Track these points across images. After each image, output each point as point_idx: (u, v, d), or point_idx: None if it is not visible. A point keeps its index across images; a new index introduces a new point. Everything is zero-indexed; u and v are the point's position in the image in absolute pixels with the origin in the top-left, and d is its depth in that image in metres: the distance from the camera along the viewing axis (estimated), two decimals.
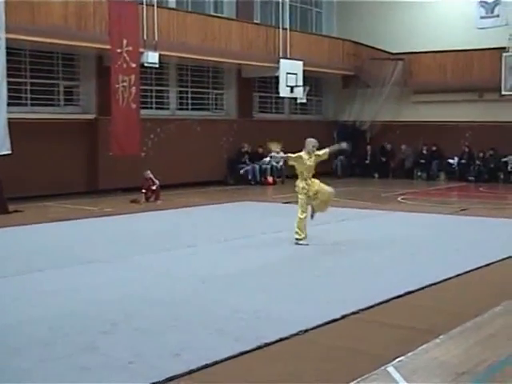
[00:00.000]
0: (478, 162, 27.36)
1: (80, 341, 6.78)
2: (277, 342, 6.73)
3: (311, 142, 13.33)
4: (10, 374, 5.95)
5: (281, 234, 13.49)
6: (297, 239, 12.32)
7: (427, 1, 28.73)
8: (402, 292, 8.68)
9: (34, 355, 6.40)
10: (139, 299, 8.43)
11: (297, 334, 6.94)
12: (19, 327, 7.29)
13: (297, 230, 12.40)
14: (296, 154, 13.04)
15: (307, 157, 12.98)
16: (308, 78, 27.02)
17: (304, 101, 27.72)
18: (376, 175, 28.86)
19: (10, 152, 17.71)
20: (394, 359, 6.21)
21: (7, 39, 17.58)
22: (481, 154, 27.37)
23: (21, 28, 18.05)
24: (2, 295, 8.73)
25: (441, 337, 6.91)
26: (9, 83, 18.15)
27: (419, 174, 28.44)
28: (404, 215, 16.80)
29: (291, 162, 13.18)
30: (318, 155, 13.14)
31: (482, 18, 26.69)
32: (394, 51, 28.60)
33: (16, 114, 18.85)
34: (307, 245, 12.15)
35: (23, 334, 7.06)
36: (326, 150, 13.40)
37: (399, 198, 20.74)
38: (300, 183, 12.87)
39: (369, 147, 29.65)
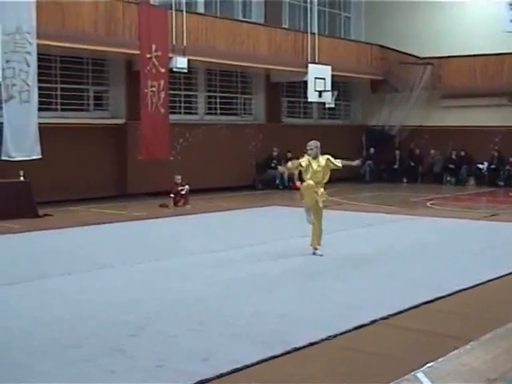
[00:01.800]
0: (507, 167, 27.15)
1: (106, 344, 6.81)
2: (306, 346, 6.70)
3: (308, 144, 12.56)
4: (35, 376, 5.97)
5: (307, 239, 13.45)
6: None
7: (456, 4, 28.57)
8: (431, 297, 8.62)
9: (59, 357, 6.42)
10: (165, 303, 8.45)
11: (326, 339, 6.91)
12: (44, 330, 7.33)
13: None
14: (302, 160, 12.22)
15: (310, 161, 12.17)
16: (336, 83, 26.97)
17: (332, 105, 27.65)
18: (405, 180, 28.69)
19: (40, 156, 17.89)
20: (424, 365, 6.16)
21: (38, 45, 17.77)
22: (511, 159, 27.14)
23: (51, 34, 18.21)
24: (28, 298, 8.79)
25: (471, 343, 6.84)
26: (39, 88, 18.34)
27: (448, 178, 28.24)
28: (433, 220, 16.69)
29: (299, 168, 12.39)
30: (330, 161, 12.31)
31: (511, 21, 26.46)
32: (423, 55, 28.45)
33: (46, 118, 19.01)
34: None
35: (48, 336, 7.09)
36: (340, 163, 12.51)
37: (428, 203, 20.62)
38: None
39: (397, 152, 29.50)
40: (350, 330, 7.24)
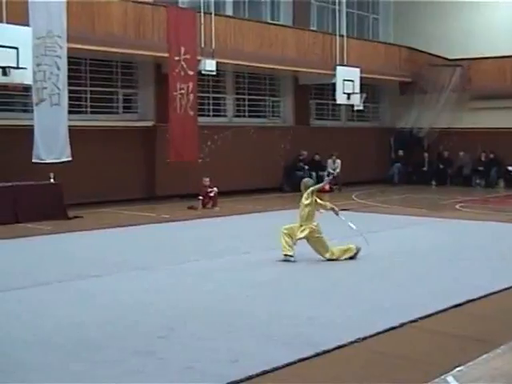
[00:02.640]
0: None
1: (136, 345, 6.85)
2: (334, 349, 6.70)
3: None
4: (66, 376, 6.02)
5: (334, 242, 13.44)
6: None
7: (485, 5, 28.40)
8: (461, 301, 8.57)
9: (90, 358, 6.47)
10: (194, 305, 8.48)
11: (354, 342, 6.90)
12: (74, 331, 7.39)
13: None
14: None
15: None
16: (365, 85, 26.88)
17: (361, 108, 27.60)
18: (434, 182, 28.53)
19: (70, 159, 18.05)
20: (453, 368, 6.13)
21: (68, 48, 17.93)
22: None
23: (81, 37, 18.37)
24: (58, 299, 8.87)
25: (501, 347, 6.79)
26: (69, 91, 18.52)
27: (477, 181, 28.04)
28: (462, 223, 16.58)
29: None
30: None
31: None
32: (452, 57, 28.30)
33: (76, 121, 19.15)
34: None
35: (78, 337, 7.14)
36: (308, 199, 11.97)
37: (457, 206, 20.50)
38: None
39: (426, 154, 29.36)
40: (378, 333, 7.22)
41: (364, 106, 28.01)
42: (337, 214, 12.08)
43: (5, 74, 16.44)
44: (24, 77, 16.82)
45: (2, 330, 7.42)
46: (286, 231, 11.58)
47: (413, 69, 29.04)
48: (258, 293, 9.19)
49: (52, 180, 17.48)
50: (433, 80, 28.25)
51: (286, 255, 11.37)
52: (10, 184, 16.83)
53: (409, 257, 11.94)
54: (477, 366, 6.26)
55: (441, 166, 28.87)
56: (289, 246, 11.47)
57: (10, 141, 18.14)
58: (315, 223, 11.64)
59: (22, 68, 16.58)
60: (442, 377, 5.96)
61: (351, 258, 11.60)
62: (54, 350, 6.70)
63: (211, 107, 24.67)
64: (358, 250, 11.66)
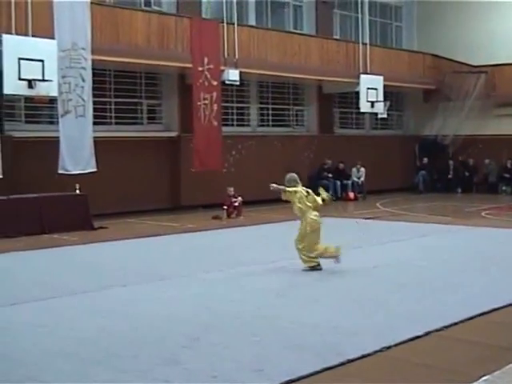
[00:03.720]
0: None
1: (161, 354, 6.86)
2: (359, 358, 6.68)
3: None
4: None
5: (359, 250, 13.46)
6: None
7: (510, 11, 28.26)
8: (486, 309, 8.52)
9: (116, 367, 6.50)
10: (219, 314, 8.50)
11: (379, 350, 6.88)
12: (99, 340, 7.43)
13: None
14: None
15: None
16: (388, 93, 26.87)
17: (385, 116, 27.56)
18: (459, 190, 28.36)
19: (95, 170, 18.17)
20: (479, 378, 6.08)
21: (93, 60, 18.09)
22: None
23: (105, 49, 18.53)
24: (83, 310, 8.91)
25: None
26: (94, 103, 18.65)
27: (504, 188, 27.82)
28: (488, 230, 16.48)
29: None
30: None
31: None
32: (476, 63, 28.16)
33: (101, 132, 19.29)
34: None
35: (103, 346, 7.19)
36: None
37: (483, 213, 20.37)
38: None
39: (451, 162, 29.19)
40: (403, 342, 7.19)
41: (388, 114, 27.96)
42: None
43: (31, 86, 16.64)
44: (50, 89, 17.01)
45: (29, 339, 7.48)
46: (300, 246, 11.51)
47: (437, 76, 28.94)
48: (283, 302, 9.19)
49: (78, 191, 17.59)
50: (457, 87, 28.13)
51: (311, 267, 11.35)
52: (36, 195, 16.98)
53: (434, 265, 11.86)
54: (503, 376, 6.20)
55: (466, 174, 28.69)
56: (309, 258, 11.42)
57: (36, 152, 18.30)
58: (312, 215, 11.63)
59: (47, 80, 16.77)
60: None
61: (332, 258, 11.36)
62: (80, 360, 6.74)
63: (235, 117, 24.74)
64: (337, 254, 11.32)
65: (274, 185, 12.04)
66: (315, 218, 11.65)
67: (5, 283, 10.74)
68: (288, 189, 11.72)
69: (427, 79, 28.88)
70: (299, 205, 11.65)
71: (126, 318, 8.38)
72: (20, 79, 16.44)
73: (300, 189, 11.83)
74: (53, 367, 6.51)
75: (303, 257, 11.45)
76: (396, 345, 7.07)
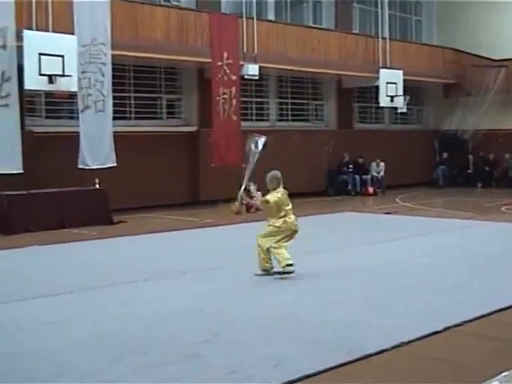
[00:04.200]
0: None
1: (181, 349, 6.89)
2: (377, 353, 6.68)
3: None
4: (110, 379, 6.09)
5: (376, 245, 13.44)
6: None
7: None
8: (507, 304, 8.48)
9: (135, 362, 6.53)
10: (238, 309, 8.52)
11: (397, 346, 6.88)
12: (118, 335, 7.46)
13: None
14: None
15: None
16: (408, 87, 26.77)
17: (404, 110, 27.46)
18: (479, 185, 28.23)
19: (115, 164, 18.26)
20: (499, 373, 6.06)
21: (112, 55, 18.17)
22: None
23: (125, 44, 18.60)
24: (102, 304, 8.96)
25: None
26: (114, 98, 18.73)
27: None
28: (508, 226, 16.40)
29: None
30: None
31: None
32: (497, 57, 28.00)
33: (121, 127, 19.37)
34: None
35: (122, 341, 7.21)
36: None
37: (503, 208, 20.28)
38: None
39: (471, 156, 29.08)
40: (422, 337, 7.17)
41: (407, 109, 27.86)
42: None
43: (51, 81, 16.73)
44: (70, 84, 17.10)
45: (46, 334, 7.54)
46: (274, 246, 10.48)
47: (457, 70, 28.81)
48: (300, 297, 9.21)
49: (97, 185, 17.68)
50: (477, 81, 27.99)
51: (288, 265, 10.29)
52: (56, 190, 17.09)
53: (454, 261, 11.82)
54: None
55: (486, 168, 28.56)
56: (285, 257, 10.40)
57: (56, 147, 18.41)
58: (278, 223, 10.56)
59: (67, 76, 16.86)
60: (488, 382, 5.90)
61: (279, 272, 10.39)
62: (99, 355, 6.78)
63: (254, 111, 24.75)
64: (285, 270, 10.30)
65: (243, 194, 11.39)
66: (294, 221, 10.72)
67: (23, 278, 10.81)
68: (269, 199, 10.76)
69: (447, 73, 28.75)
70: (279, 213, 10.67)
71: (145, 313, 8.41)
72: (40, 75, 16.53)
73: (280, 194, 10.89)
74: (69, 362, 6.55)
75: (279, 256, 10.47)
76: (414, 340, 7.06)
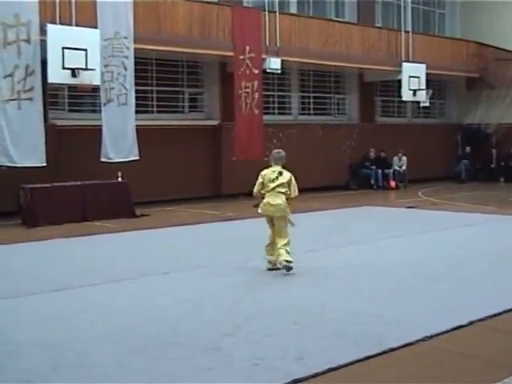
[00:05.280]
0: None
1: (203, 342, 6.90)
2: (401, 347, 6.66)
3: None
4: (133, 372, 6.12)
5: (398, 239, 13.41)
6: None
7: None
8: None
9: (157, 355, 6.55)
10: (260, 302, 8.53)
11: (422, 340, 6.85)
12: (141, 327, 7.50)
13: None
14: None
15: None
16: (431, 81, 26.64)
17: (427, 104, 27.33)
18: (502, 179, 28.03)
19: (137, 158, 18.33)
20: None
21: (135, 49, 18.22)
22: None
23: (148, 38, 18.64)
24: (124, 296, 9.00)
25: None
26: (136, 91, 18.77)
27: None
28: None
29: None
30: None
31: None
32: None
33: (143, 121, 19.42)
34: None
35: (144, 334, 7.24)
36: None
37: None
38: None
39: (494, 151, 28.87)
40: (446, 331, 7.14)
41: (430, 103, 27.74)
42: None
43: (74, 75, 16.80)
44: (92, 78, 17.16)
45: (70, 326, 7.59)
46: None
47: (480, 64, 28.59)
48: (323, 290, 9.20)
49: (120, 179, 17.76)
50: (501, 75, 27.78)
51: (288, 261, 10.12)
52: (79, 183, 17.18)
53: (478, 254, 11.76)
54: None
55: (510, 163, 28.33)
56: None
57: (79, 141, 18.50)
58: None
59: (90, 69, 16.92)
60: None
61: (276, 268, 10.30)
62: (121, 347, 6.81)
63: (276, 105, 24.74)
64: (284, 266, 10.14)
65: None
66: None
67: (47, 270, 10.89)
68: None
69: (470, 67, 28.55)
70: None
71: (167, 306, 8.44)
72: (64, 68, 16.60)
73: (270, 170, 10.58)
74: (92, 353, 6.59)
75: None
76: (438, 334, 7.03)
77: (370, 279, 9.89)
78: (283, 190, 10.36)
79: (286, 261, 10.08)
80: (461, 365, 6.28)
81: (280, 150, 10.91)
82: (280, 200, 10.30)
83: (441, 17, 31.06)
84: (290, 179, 10.47)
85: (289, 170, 10.72)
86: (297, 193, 10.47)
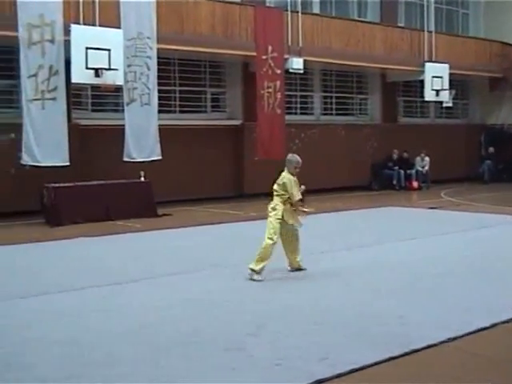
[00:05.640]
0: None
1: (226, 341, 6.93)
2: (424, 348, 6.65)
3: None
4: (156, 369, 6.17)
5: (420, 240, 13.36)
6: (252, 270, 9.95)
7: None
8: None
9: (180, 353, 6.59)
10: (282, 303, 8.54)
11: (445, 341, 6.83)
12: (164, 326, 7.54)
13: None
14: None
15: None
16: (454, 81, 26.51)
17: (450, 104, 27.21)
18: None
19: (160, 157, 18.38)
20: None
21: (158, 49, 18.28)
22: None
23: (170, 38, 18.70)
24: (147, 295, 9.05)
25: None
26: (159, 91, 18.83)
27: None
28: None
29: None
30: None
31: None
32: None
33: (165, 120, 19.46)
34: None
35: (168, 332, 7.28)
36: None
37: None
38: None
39: None
40: (469, 333, 7.12)
41: (453, 103, 27.62)
42: None
43: (97, 75, 16.90)
44: (116, 77, 17.25)
45: (95, 325, 7.64)
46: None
47: (504, 64, 28.39)
48: (346, 291, 9.19)
49: (142, 178, 17.82)
50: None
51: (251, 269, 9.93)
52: (101, 182, 17.27)
53: (498, 257, 11.69)
54: None
55: None
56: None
57: (102, 140, 18.59)
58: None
59: (113, 69, 17.01)
60: None
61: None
62: (144, 345, 6.86)
63: (298, 105, 24.73)
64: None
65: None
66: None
67: (70, 269, 10.95)
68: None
69: (494, 67, 28.36)
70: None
71: (190, 305, 8.48)
72: (87, 68, 16.70)
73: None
74: (115, 351, 6.64)
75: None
76: (461, 336, 7.02)
77: (391, 280, 9.86)
78: (278, 193, 10.62)
79: (250, 268, 9.90)
80: (483, 367, 6.26)
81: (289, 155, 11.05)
82: (273, 203, 10.53)
83: (464, 16, 30.88)
84: (283, 183, 10.66)
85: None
86: (296, 197, 10.54)
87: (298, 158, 10.97)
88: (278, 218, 10.24)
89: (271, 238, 10.06)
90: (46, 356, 6.53)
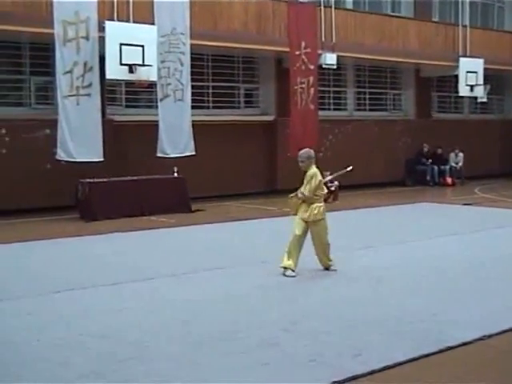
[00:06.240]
0: None
1: (260, 337, 6.95)
2: (459, 346, 6.61)
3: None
4: (189, 365, 6.20)
5: (454, 237, 13.26)
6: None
7: None
8: None
9: (214, 349, 6.61)
10: (316, 300, 8.55)
11: (480, 339, 6.80)
12: (197, 321, 7.57)
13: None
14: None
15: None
16: (489, 76, 26.27)
17: (484, 100, 26.98)
18: None
19: (193, 153, 18.45)
20: None
21: (191, 45, 18.33)
22: None
23: (204, 34, 18.74)
24: (182, 290, 9.09)
25: None
26: (192, 87, 18.89)
27: None
28: None
29: None
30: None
31: None
32: None
33: (199, 116, 19.54)
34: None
35: (203, 328, 7.30)
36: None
37: None
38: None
39: None
40: (504, 331, 7.07)
41: (488, 98, 27.37)
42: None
43: (131, 71, 16.98)
44: (149, 73, 17.33)
45: (128, 319, 7.70)
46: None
47: None
48: (379, 289, 9.16)
49: (176, 174, 17.90)
50: None
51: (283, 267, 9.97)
52: (135, 178, 17.38)
53: None
54: None
55: None
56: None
57: (136, 136, 18.71)
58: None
59: (147, 65, 17.09)
60: None
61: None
62: (182, 341, 6.89)
63: (332, 101, 24.67)
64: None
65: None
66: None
67: (105, 263, 11.04)
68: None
69: None
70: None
71: (223, 301, 8.51)
72: (121, 64, 16.80)
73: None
74: (158, 348, 6.67)
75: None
76: (497, 334, 6.97)
77: (425, 277, 9.81)
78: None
79: (281, 266, 9.95)
80: None
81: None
82: (294, 198, 10.51)
83: (500, 10, 30.53)
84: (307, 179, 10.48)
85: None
86: (306, 193, 10.34)
87: (302, 152, 11.01)
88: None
89: (293, 232, 10.16)
90: (83, 351, 6.59)
